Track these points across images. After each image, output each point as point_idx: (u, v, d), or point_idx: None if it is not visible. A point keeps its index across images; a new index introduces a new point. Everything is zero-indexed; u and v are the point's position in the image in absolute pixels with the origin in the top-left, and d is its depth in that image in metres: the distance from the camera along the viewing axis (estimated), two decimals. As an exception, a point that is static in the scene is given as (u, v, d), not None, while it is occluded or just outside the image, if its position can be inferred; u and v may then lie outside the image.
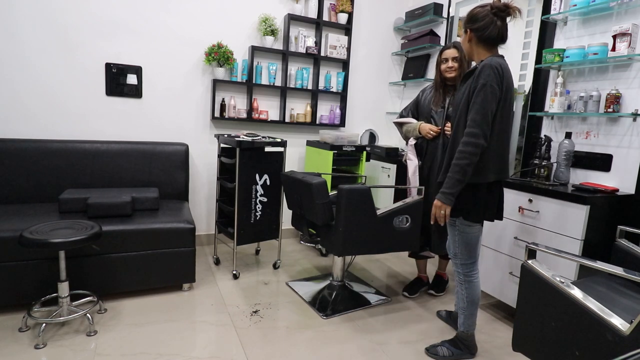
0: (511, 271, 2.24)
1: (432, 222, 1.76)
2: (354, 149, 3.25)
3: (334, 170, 3.18)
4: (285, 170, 2.65)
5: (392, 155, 3.43)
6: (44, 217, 2.21)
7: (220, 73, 3.14)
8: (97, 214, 2.28)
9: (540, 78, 2.53)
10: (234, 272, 2.70)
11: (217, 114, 3.20)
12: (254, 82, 3.27)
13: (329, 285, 2.58)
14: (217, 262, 2.94)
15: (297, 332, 2.07)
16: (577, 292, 1.20)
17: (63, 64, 2.72)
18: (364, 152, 3.31)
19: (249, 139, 2.64)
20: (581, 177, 2.33)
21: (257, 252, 3.22)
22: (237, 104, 3.29)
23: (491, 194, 1.71)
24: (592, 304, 1.15)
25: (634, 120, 2.09)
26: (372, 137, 3.88)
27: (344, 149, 3.20)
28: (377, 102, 3.94)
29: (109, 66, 2.83)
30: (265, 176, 2.71)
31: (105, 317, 2.10)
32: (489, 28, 1.63)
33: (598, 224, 1.96)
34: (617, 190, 2.11)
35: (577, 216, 1.93)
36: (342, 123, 3.70)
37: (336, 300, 2.41)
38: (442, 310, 2.38)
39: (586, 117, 2.32)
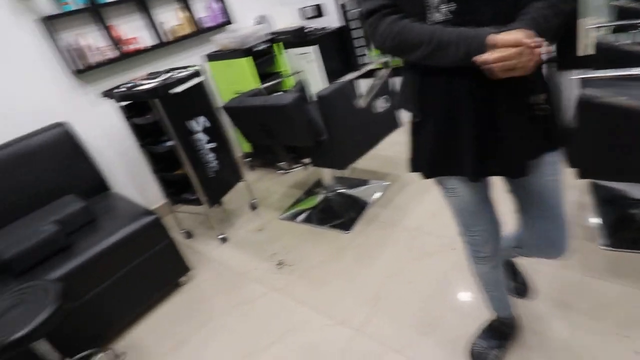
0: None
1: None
2: (269, 44, 2.73)
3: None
4: (223, 103, 2.13)
5: (301, 36, 3.01)
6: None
7: (46, 6, 2.15)
8: (25, 265, 1.61)
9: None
10: (220, 236, 2.32)
11: (80, 66, 2.29)
12: (96, 1, 2.32)
13: (324, 199, 2.40)
14: (189, 235, 2.47)
15: (335, 259, 1.94)
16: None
17: None
18: (280, 43, 2.82)
19: (158, 80, 1.98)
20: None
21: (220, 204, 2.76)
22: (93, 42, 2.38)
23: None
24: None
25: None
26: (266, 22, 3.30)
27: (255, 49, 2.66)
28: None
29: None
30: (202, 118, 2.15)
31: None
32: None
33: None
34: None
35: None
36: (227, 19, 3.01)
37: (342, 211, 2.27)
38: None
39: None
